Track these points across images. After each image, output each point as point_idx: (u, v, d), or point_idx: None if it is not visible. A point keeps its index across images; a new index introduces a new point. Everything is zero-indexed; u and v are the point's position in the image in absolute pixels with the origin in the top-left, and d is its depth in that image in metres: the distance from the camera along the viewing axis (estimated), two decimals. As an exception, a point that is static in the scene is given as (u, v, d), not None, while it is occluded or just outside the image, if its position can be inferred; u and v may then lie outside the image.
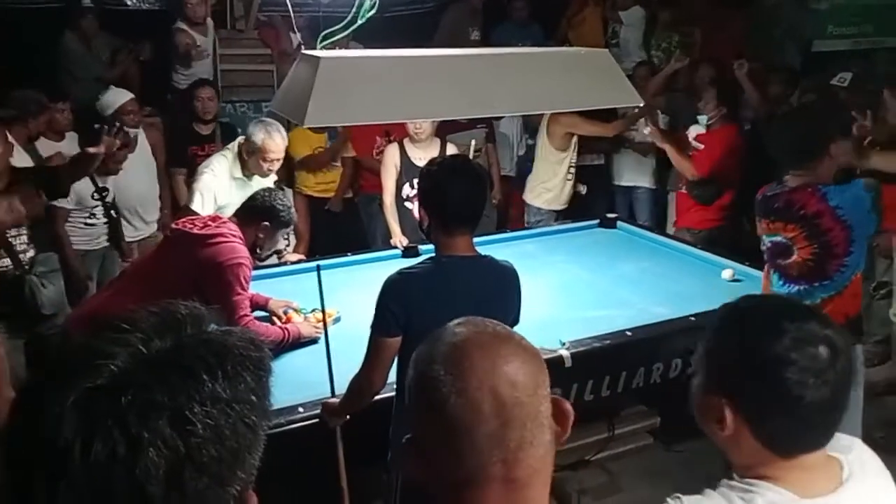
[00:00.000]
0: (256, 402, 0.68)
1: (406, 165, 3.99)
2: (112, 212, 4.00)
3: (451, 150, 4.13)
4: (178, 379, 0.63)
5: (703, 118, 4.35)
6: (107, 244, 4.06)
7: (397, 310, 1.98)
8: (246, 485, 0.68)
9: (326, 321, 2.52)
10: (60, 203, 3.78)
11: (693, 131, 4.43)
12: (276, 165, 3.50)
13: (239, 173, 3.48)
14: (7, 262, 3.20)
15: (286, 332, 2.74)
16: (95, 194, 3.92)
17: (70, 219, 3.91)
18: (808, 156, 2.56)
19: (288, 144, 4.47)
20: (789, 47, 5.86)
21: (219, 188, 3.43)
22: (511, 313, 2.08)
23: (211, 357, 0.65)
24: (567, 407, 0.90)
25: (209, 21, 5.20)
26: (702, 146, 4.34)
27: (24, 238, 3.21)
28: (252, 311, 2.84)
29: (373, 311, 2.03)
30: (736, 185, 4.31)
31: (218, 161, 3.50)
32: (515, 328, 1.05)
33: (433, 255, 2.10)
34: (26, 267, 3.22)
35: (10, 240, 3.13)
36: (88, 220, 3.97)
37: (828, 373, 1.07)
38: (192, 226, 2.74)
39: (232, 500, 0.66)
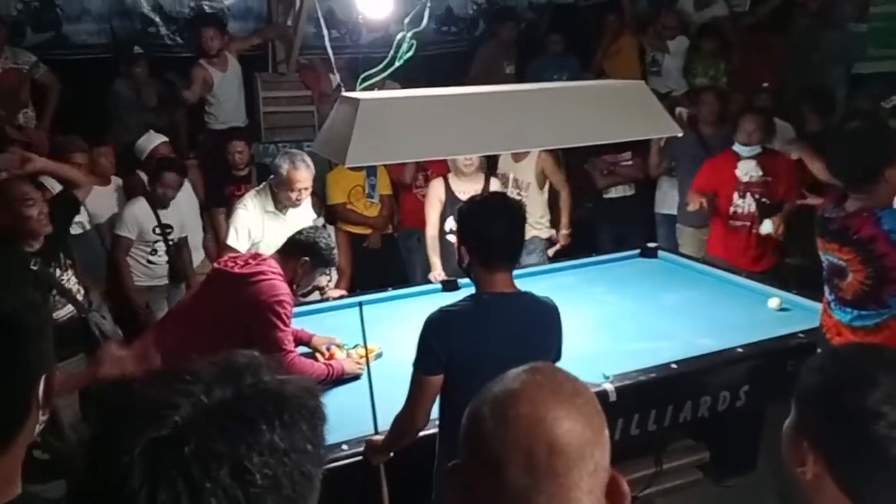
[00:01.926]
0: (312, 450, 0.69)
1: (450, 199, 4.03)
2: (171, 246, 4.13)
3: (495, 184, 4.16)
4: (238, 429, 0.65)
5: (744, 149, 4.20)
6: (167, 282, 4.19)
7: (439, 348, 1.99)
8: None
9: (369, 357, 2.54)
10: (123, 233, 3.93)
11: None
12: (305, 195, 3.59)
13: (271, 207, 3.60)
14: (69, 308, 3.28)
15: (331, 368, 2.76)
16: (157, 229, 4.06)
17: (132, 253, 4.05)
18: (864, 180, 2.53)
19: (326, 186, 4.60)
20: (829, 70, 5.79)
21: (252, 222, 3.55)
22: (552, 350, 2.07)
23: (269, 407, 0.67)
24: (625, 488, 0.86)
25: (230, 58, 5.29)
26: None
27: (74, 280, 3.29)
28: (296, 346, 2.88)
29: (414, 346, 2.04)
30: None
31: (250, 197, 3.65)
32: (557, 364, 1.04)
33: (473, 292, 2.10)
34: (86, 307, 3.33)
35: (66, 286, 3.22)
36: (150, 257, 4.11)
37: None
38: (233, 264, 2.80)
39: None
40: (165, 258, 4.14)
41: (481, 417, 0.85)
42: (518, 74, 5.94)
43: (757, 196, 4.20)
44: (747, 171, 4.20)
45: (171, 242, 4.14)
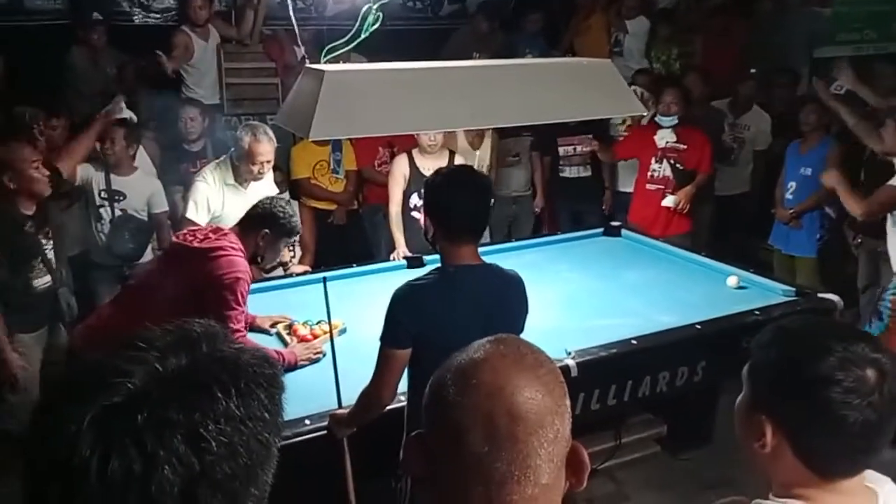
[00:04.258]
0: (269, 419, 0.69)
1: (415, 176, 4.02)
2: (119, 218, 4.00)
3: (460, 161, 4.16)
4: (194, 396, 0.64)
5: (664, 119, 4.53)
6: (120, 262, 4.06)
7: (407, 322, 1.99)
8: (259, 501, 0.69)
9: (332, 333, 2.53)
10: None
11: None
12: (267, 168, 3.53)
13: (231, 180, 3.55)
14: (48, 278, 3.29)
15: (281, 357, 2.63)
16: (104, 193, 3.92)
17: (74, 217, 3.94)
18: None
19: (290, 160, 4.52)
20: (793, 54, 5.88)
21: (211, 195, 3.50)
22: (518, 320, 2.09)
23: (225, 375, 0.67)
24: (584, 458, 0.87)
25: (212, 29, 5.23)
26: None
27: (52, 252, 3.30)
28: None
29: (379, 322, 2.04)
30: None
31: (210, 170, 3.59)
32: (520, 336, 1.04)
33: (440, 265, 2.11)
34: (61, 280, 3.34)
35: (48, 256, 3.25)
36: (96, 224, 3.98)
37: (873, 395, 1.06)
38: (192, 238, 2.74)
39: None
40: (109, 227, 3.91)
41: (444, 385, 0.85)
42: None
43: (672, 161, 4.55)
44: (664, 137, 4.57)
45: (117, 211, 3.92)
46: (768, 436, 1.12)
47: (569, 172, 5.15)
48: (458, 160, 4.16)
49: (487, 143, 4.73)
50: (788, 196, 4.48)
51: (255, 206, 2.89)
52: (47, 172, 3.16)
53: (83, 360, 0.68)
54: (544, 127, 4.84)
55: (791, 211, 4.43)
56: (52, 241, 3.30)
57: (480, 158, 4.63)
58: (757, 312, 3.03)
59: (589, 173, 5.16)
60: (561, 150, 5.10)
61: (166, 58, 4.89)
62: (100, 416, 0.62)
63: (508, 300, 2.10)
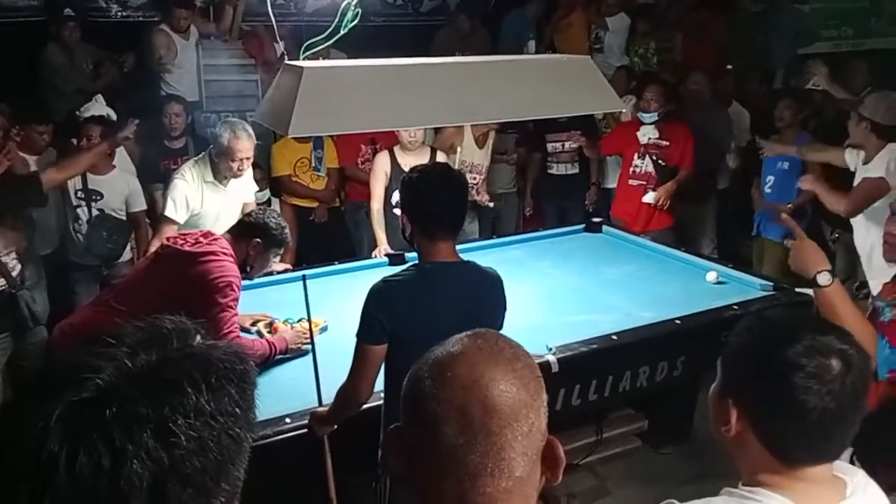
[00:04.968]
0: (241, 414, 0.69)
1: (396, 173, 4.01)
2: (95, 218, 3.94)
3: (441, 158, 4.16)
4: (163, 392, 0.64)
5: (646, 115, 4.58)
6: (97, 262, 4.00)
7: (382, 318, 1.99)
8: (231, 497, 0.69)
9: (313, 331, 2.52)
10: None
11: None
12: (246, 165, 3.51)
13: (211, 177, 3.52)
14: (1, 282, 3.21)
15: (272, 345, 2.72)
16: (81, 193, 3.87)
17: (49, 219, 3.86)
18: None
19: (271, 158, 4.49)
20: (773, 50, 5.95)
21: (190, 192, 3.47)
22: (497, 318, 2.09)
23: (195, 371, 0.67)
24: (559, 452, 0.87)
25: (192, 29, 5.22)
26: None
27: (13, 255, 3.21)
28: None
29: (358, 319, 2.04)
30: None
31: (189, 167, 3.56)
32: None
33: (416, 262, 2.11)
34: (19, 283, 3.23)
35: (1, 258, 3.14)
36: (73, 224, 3.93)
37: (835, 384, 1.08)
38: (183, 242, 2.73)
39: None
40: (86, 227, 3.87)
41: (421, 377, 0.86)
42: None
43: (654, 157, 4.60)
44: (646, 133, 4.61)
45: (94, 211, 3.88)
46: (733, 419, 1.14)
47: (557, 170, 5.17)
48: (440, 158, 4.16)
49: (490, 142, 4.77)
50: (767, 190, 4.54)
51: (248, 215, 2.91)
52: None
53: (53, 357, 0.68)
54: (532, 123, 4.88)
55: (788, 206, 4.39)
56: (11, 245, 3.20)
57: (481, 157, 4.66)
58: (735, 307, 3.05)
59: (577, 171, 5.18)
60: (549, 146, 5.12)
61: (155, 61, 4.89)
62: (68, 411, 0.61)
63: (486, 298, 2.10)
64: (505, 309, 2.14)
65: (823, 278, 1.77)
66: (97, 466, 0.60)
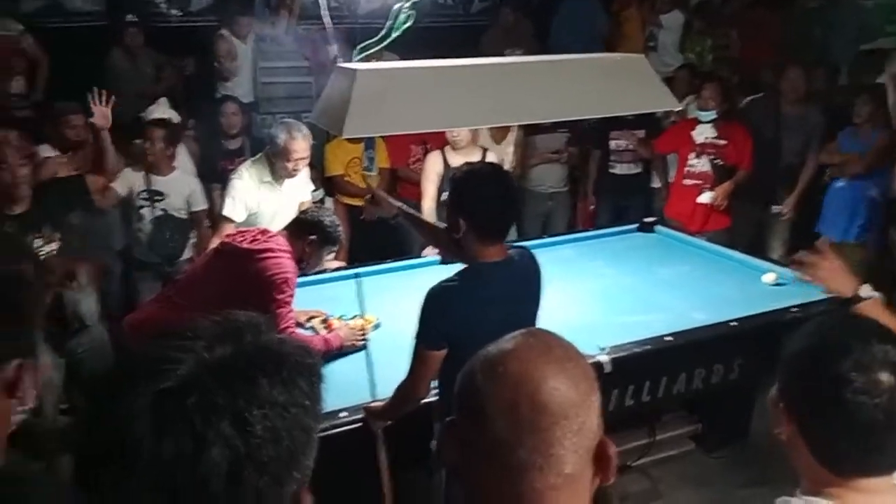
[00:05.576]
0: (310, 406, 0.72)
1: (448, 173, 4.04)
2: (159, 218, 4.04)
3: (491, 158, 4.16)
4: (239, 383, 0.67)
5: (702, 114, 4.50)
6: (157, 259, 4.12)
7: (441, 323, 2.01)
8: (301, 485, 0.72)
9: (367, 327, 2.56)
10: (114, 183, 3.81)
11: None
12: (302, 165, 3.58)
13: (268, 177, 3.59)
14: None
15: (328, 343, 2.76)
16: (145, 193, 3.96)
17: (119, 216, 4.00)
18: None
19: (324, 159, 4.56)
20: (834, 46, 5.76)
21: (248, 192, 3.55)
22: (539, 300, 2.14)
23: (268, 363, 0.70)
24: (611, 452, 0.88)
25: (251, 34, 5.36)
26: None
27: (55, 254, 3.17)
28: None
29: (412, 317, 2.06)
30: None
31: (246, 167, 3.64)
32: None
33: (470, 265, 2.11)
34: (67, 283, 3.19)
35: (44, 258, 3.08)
36: (137, 224, 4.03)
37: (885, 397, 1.07)
38: (241, 239, 2.81)
39: (288, 498, 0.70)
40: (150, 227, 4.00)
41: (474, 373, 0.88)
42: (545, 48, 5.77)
43: (711, 157, 4.51)
44: (703, 132, 4.53)
45: (158, 211, 4.00)
46: (784, 424, 1.15)
47: (619, 169, 5.08)
48: (490, 157, 4.17)
49: (511, 138, 4.71)
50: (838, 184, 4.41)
51: (303, 212, 2.98)
52: (25, 175, 3.00)
53: (133, 349, 0.72)
54: (587, 121, 4.83)
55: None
56: (53, 244, 3.14)
57: (502, 153, 4.63)
58: (795, 309, 2.98)
59: (640, 170, 5.11)
60: (612, 143, 5.04)
61: (218, 66, 5.04)
62: (152, 400, 0.65)
63: (531, 285, 2.14)
64: (541, 281, 2.17)
65: (866, 290, 1.75)
66: (180, 453, 0.63)
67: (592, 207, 5.22)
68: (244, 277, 2.66)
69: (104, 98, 3.40)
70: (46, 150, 3.86)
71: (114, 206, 3.95)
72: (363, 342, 2.80)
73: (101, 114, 3.38)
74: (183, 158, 4.31)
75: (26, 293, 1.04)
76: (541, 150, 5.01)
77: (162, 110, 4.34)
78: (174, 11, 5.67)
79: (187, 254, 4.14)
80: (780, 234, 4.80)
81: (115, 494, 0.64)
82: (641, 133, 4.91)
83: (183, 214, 4.08)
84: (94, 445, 0.66)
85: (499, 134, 4.68)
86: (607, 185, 5.14)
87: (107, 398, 0.67)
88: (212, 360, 0.68)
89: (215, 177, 4.50)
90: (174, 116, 4.32)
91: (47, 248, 3.11)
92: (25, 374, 0.97)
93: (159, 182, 4.02)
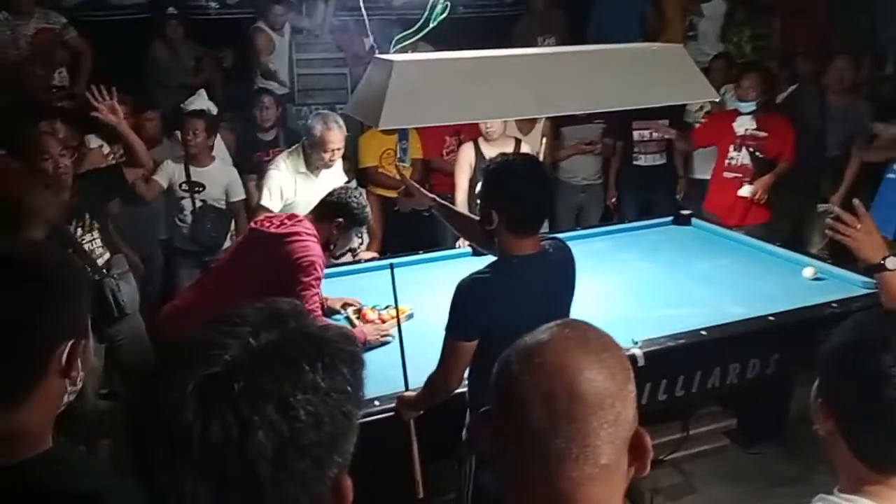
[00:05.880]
0: (351, 392, 0.73)
1: (481, 164, 4.03)
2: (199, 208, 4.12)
3: (525, 149, 4.15)
4: (283, 369, 0.69)
5: (742, 104, 4.37)
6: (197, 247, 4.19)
7: (473, 315, 2.01)
8: (342, 469, 0.74)
9: (400, 318, 2.58)
10: (156, 176, 3.92)
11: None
12: (337, 156, 3.61)
13: (304, 168, 3.64)
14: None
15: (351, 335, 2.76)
16: (185, 185, 4.06)
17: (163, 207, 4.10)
18: None
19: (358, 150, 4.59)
20: (882, 33, 5.60)
21: (284, 182, 3.60)
22: (573, 292, 2.14)
23: (311, 350, 0.71)
24: (647, 443, 0.88)
25: (286, 25, 5.40)
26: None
27: (98, 242, 3.23)
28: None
29: (444, 308, 2.07)
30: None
31: (283, 158, 3.70)
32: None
33: (503, 257, 2.10)
34: (104, 271, 3.22)
35: (85, 246, 3.15)
36: (178, 214, 4.14)
37: None
38: (269, 224, 2.85)
39: (329, 481, 0.72)
40: (190, 217, 4.09)
41: (510, 363, 0.89)
42: (577, 36, 5.69)
43: (751, 149, 4.39)
44: (743, 124, 4.41)
45: (197, 202, 4.09)
46: (822, 419, 1.14)
47: (643, 160, 5.00)
48: (525, 148, 4.15)
49: (538, 128, 4.64)
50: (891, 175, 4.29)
51: (329, 195, 2.96)
52: (67, 166, 3.03)
53: (182, 335, 0.74)
54: (618, 112, 4.77)
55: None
56: (94, 233, 3.18)
57: (530, 144, 4.59)
58: (835, 305, 2.93)
59: (664, 161, 5.03)
60: (636, 133, 4.97)
61: (258, 59, 5.10)
62: (201, 384, 0.67)
63: (566, 277, 2.14)
64: (575, 273, 2.17)
65: (892, 262, 1.76)
66: (227, 436, 0.65)
67: (614, 200, 5.15)
68: (272, 261, 2.69)
69: (104, 93, 3.19)
70: (94, 141, 3.96)
71: (156, 197, 4.04)
72: (387, 340, 2.82)
73: (108, 108, 3.17)
74: (220, 149, 4.38)
75: (80, 275, 1.12)
76: (574, 141, 4.98)
77: (201, 101, 4.41)
78: (212, 3, 5.73)
79: (228, 244, 4.21)
80: (821, 228, 4.67)
81: (165, 479, 0.66)
82: (665, 122, 4.81)
83: (222, 205, 4.16)
84: (147, 429, 0.68)
85: (527, 125, 4.64)
86: (631, 177, 5.07)
87: (155, 384, 0.70)
88: (257, 346, 0.70)
89: (251, 168, 4.57)
90: (212, 108, 4.39)
91: (88, 236, 3.17)
92: (78, 354, 1.02)
93: (199, 173, 4.10)
